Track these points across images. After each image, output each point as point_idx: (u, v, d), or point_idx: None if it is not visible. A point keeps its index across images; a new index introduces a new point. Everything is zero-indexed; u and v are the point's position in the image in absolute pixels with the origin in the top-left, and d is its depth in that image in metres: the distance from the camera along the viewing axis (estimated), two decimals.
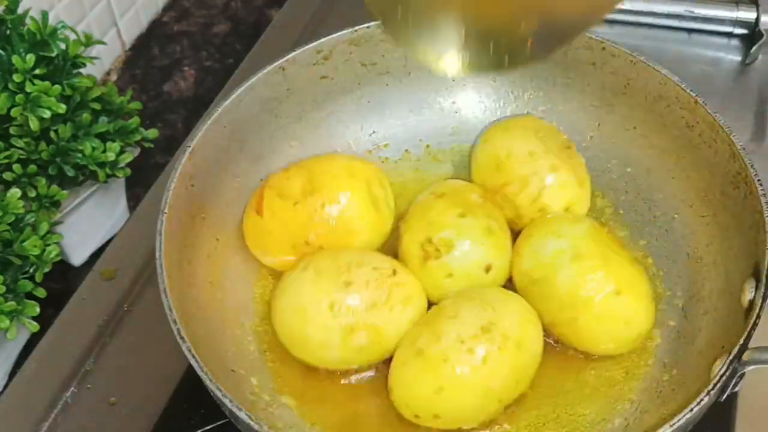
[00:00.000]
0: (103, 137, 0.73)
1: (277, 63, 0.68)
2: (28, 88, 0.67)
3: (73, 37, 0.72)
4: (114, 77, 0.98)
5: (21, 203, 0.67)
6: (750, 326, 0.54)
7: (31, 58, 0.67)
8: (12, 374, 0.72)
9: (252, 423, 0.51)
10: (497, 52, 0.54)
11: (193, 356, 0.53)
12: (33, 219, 0.68)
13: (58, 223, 0.74)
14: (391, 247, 0.69)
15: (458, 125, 0.76)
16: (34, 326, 0.68)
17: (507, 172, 0.69)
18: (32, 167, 0.70)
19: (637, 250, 0.69)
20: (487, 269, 0.65)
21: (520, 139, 0.70)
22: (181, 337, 0.54)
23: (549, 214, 0.68)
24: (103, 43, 0.82)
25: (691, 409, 0.51)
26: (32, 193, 0.70)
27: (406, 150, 0.76)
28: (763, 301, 0.55)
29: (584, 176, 0.70)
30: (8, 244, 0.66)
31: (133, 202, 0.84)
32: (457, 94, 0.76)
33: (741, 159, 0.61)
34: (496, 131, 0.72)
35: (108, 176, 0.73)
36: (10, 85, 0.67)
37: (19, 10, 0.70)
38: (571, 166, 0.69)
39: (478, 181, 0.72)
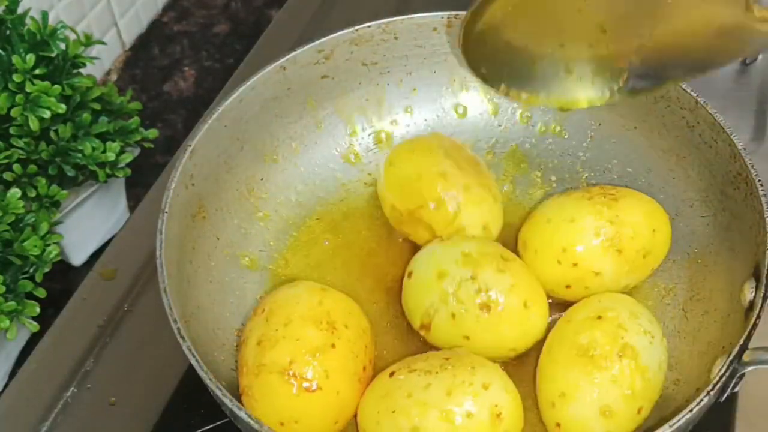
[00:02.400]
0: (103, 137, 0.73)
1: (277, 62, 0.68)
2: (28, 88, 0.67)
3: (73, 37, 0.72)
4: (114, 77, 0.98)
5: (21, 203, 0.67)
6: (750, 326, 0.54)
7: (31, 58, 0.67)
8: (12, 374, 0.72)
9: (252, 423, 0.51)
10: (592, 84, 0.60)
11: (193, 356, 0.53)
12: (33, 219, 0.68)
13: (58, 223, 0.74)
14: None
15: (459, 125, 0.76)
16: (34, 326, 0.68)
17: (419, 194, 0.67)
18: (32, 167, 0.70)
19: None
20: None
21: (429, 159, 0.68)
22: (181, 337, 0.54)
23: (466, 232, 0.66)
24: (103, 43, 0.82)
25: (691, 410, 0.51)
26: (32, 193, 0.70)
27: None
28: (763, 301, 0.55)
29: (497, 192, 0.70)
30: (8, 244, 0.66)
31: (133, 202, 0.84)
32: (458, 94, 0.75)
33: (741, 159, 0.61)
34: (401, 152, 0.70)
35: (108, 176, 0.73)
36: (10, 85, 0.67)
37: (19, 10, 0.70)
38: (483, 184, 0.68)
39: (387, 204, 0.70)
